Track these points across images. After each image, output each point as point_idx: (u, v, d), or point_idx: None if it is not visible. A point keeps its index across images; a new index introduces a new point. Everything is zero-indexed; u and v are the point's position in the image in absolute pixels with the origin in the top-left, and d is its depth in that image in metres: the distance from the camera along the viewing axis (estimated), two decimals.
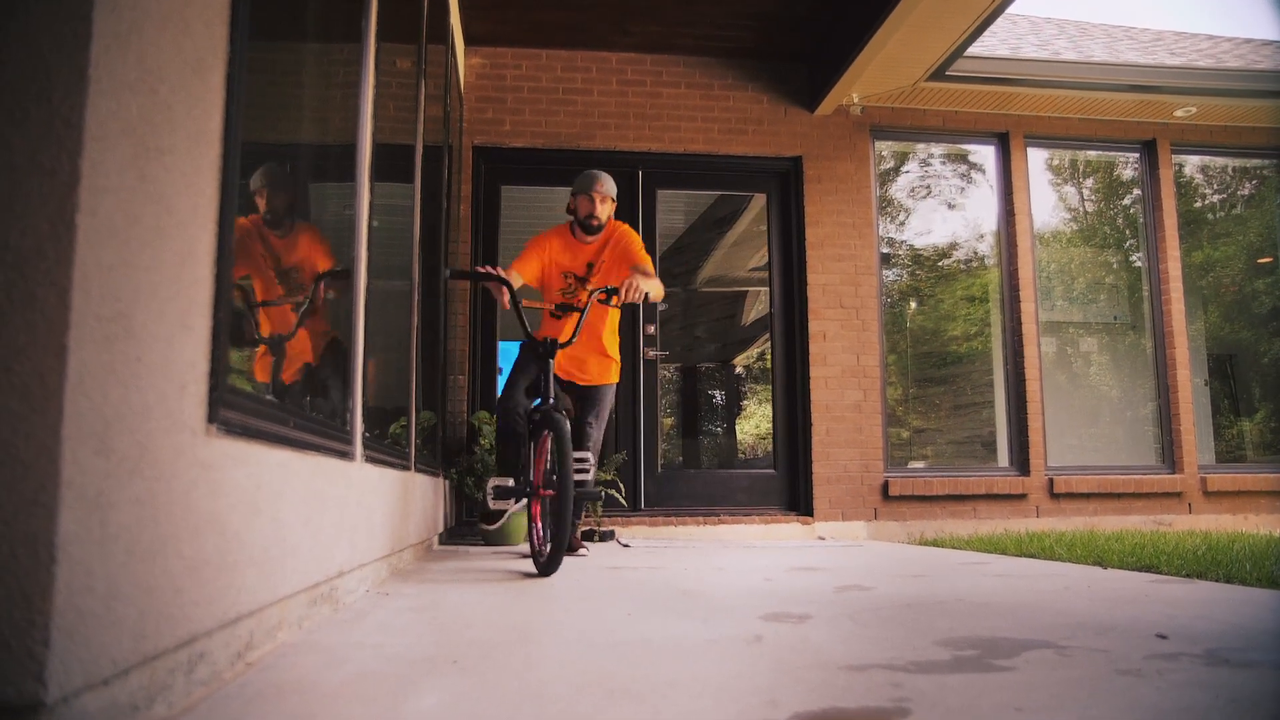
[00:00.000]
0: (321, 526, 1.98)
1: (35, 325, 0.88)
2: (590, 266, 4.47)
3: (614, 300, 4.04)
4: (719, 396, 9.47)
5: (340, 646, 1.78)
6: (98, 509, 0.93)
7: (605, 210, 4.44)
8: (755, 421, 7.72)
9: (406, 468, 3.48)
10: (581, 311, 3.97)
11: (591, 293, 4.05)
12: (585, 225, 4.42)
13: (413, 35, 3.99)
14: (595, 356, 4.50)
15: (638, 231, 6.31)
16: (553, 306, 4.43)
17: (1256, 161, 7.44)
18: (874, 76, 6.07)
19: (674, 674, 1.56)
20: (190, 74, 1.23)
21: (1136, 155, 7.16)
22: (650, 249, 6.34)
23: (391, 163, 3.36)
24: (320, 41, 2.36)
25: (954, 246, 7.22)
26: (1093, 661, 1.65)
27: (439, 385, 5.03)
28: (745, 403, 8.00)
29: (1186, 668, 1.58)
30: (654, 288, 4.12)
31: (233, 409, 1.35)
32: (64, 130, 0.91)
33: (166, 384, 1.12)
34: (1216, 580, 3.14)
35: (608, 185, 4.49)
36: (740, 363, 9.44)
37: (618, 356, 4.64)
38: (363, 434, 2.43)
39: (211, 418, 1.26)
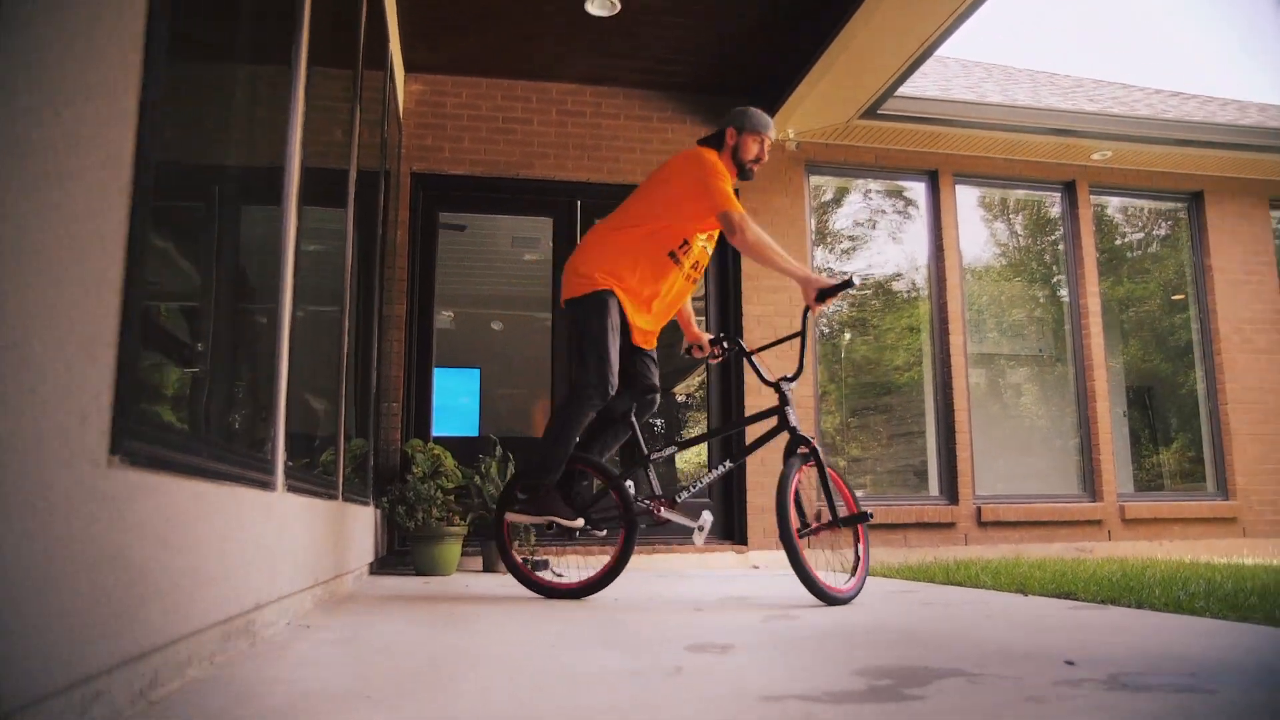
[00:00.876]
0: (238, 558, 1.94)
1: None
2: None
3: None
4: (659, 425, 9.47)
5: (253, 682, 1.74)
6: None
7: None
8: (696, 449, 7.76)
9: (334, 497, 3.43)
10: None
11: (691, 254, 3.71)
12: (744, 169, 3.86)
13: (349, 61, 3.97)
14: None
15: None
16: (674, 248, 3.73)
17: (1169, 205, 7.73)
18: (809, 113, 6.19)
19: (593, 705, 1.55)
20: (100, 97, 1.22)
21: (1058, 195, 7.40)
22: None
23: (323, 188, 3.33)
24: (249, 64, 2.34)
25: (895, 277, 7.37)
26: (1001, 689, 1.68)
27: (372, 412, 4.97)
28: (686, 431, 8.04)
29: (1088, 693, 1.62)
30: None
31: (140, 439, 1.32)
32: None
33: (65, 415, 1.09)
34: (1128, 606, 3.23)
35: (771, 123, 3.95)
36: (680, 391, 9.47)
37: None
38: (285, 463, 2.39)
39: (115, 449, 1.23)
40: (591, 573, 3.85)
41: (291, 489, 2.47)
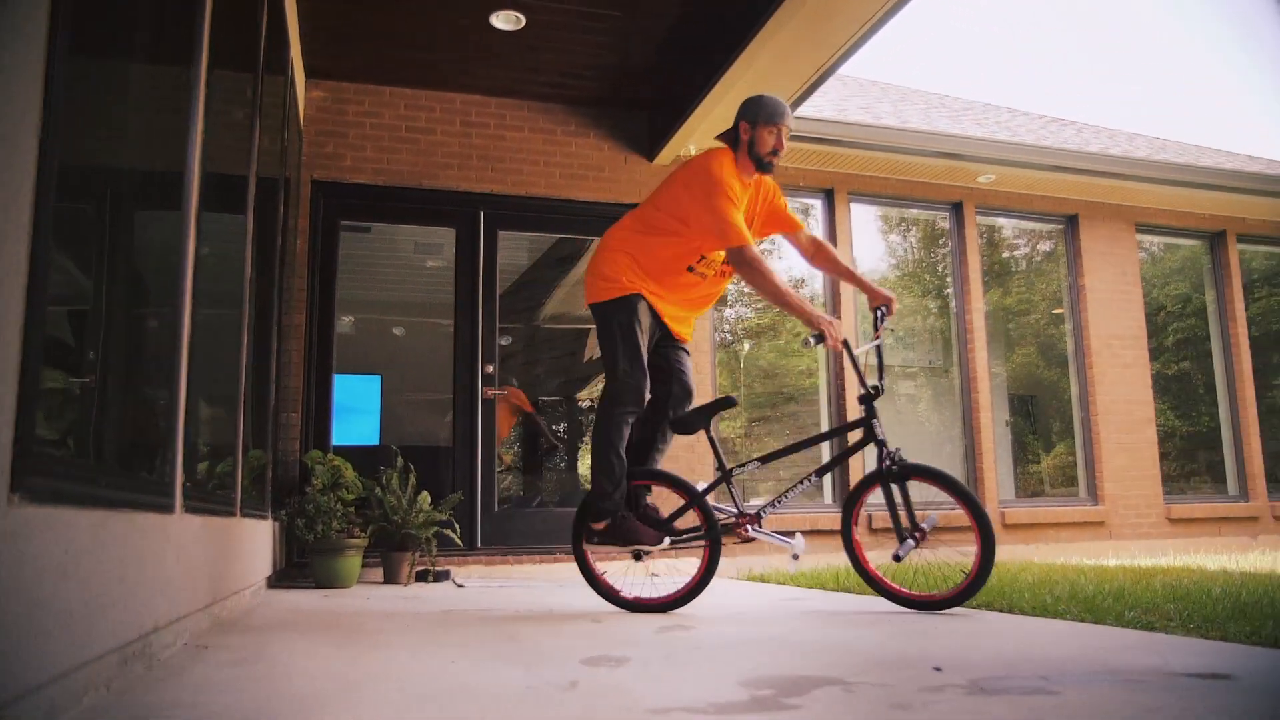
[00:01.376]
0: (136, 582, 1.95)
1: None
2: (752, 215, 3.80)
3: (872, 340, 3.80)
4: (561, 431, 9.56)
5: (153, 707, 1.75)
6: None
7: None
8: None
9: (232, 513, 3.41)
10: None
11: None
12: (763, 162, 3.64)
13: (249, 63, 3.93)
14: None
15: (479, 272, 6.39)
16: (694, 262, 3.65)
17: (1049, 225, 8.18)
18: (711, 130, 6.34)
19: None
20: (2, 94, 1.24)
21: (947, 214, 7.75)
22: (489, 288, 6.41)
23: (222, 195, 3.30)
24: (148, 63, 2.31)
25: (799, 284, 7.61)
26: (874, 697, 1.82)
27: (270, 423, 4.91)
28: (588, 438, 8.12)
29: (950, 698, 1.77)
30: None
31: (40, 474, 1.34)
32: None
33: None
34: (1000, 610, 3.45)
35: (788, 109, 3.75)
36: (584, 397, 9.57)
37: None
38: (183, 484, 2.39)
39: (15, 487, 1.25)
40: (675, 588, 3.74)
41: (189, 509, 2.47)
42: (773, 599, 4.20)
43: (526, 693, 1.91)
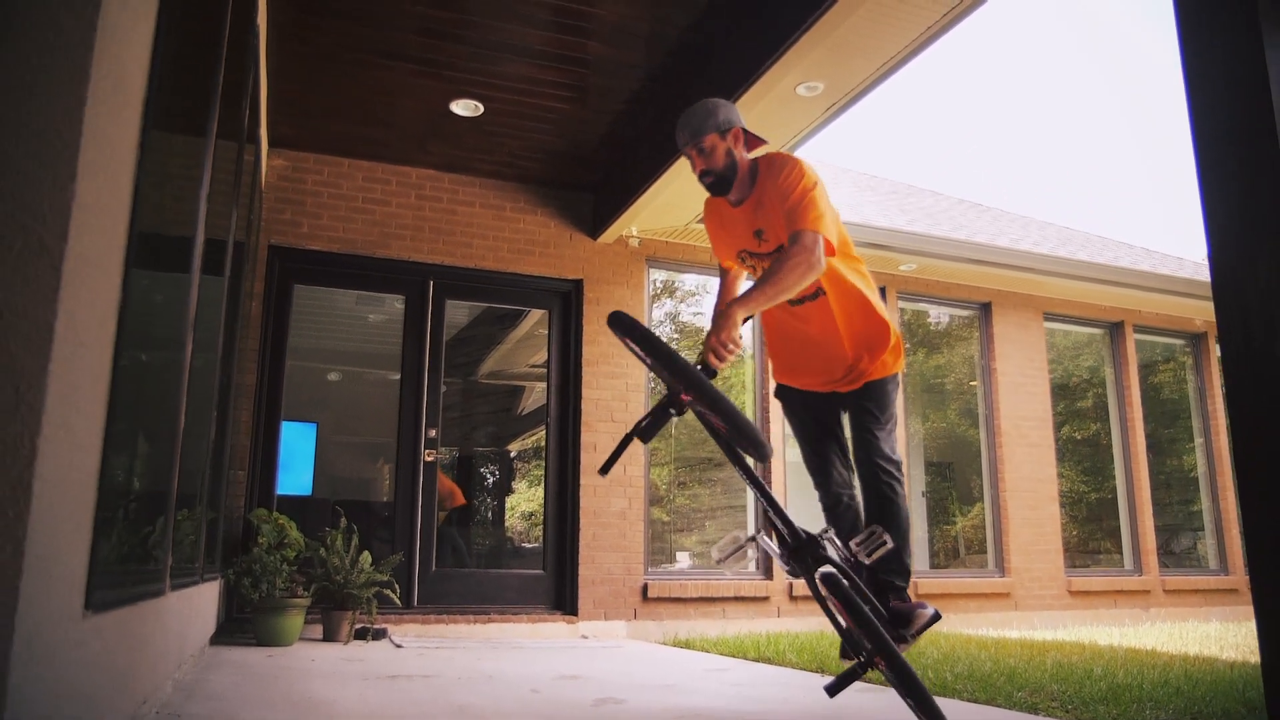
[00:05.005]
0: (138, 662, 2.17)
1: None
2: (760, 234, 3.26)
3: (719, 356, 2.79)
4: (490, 482, 9.80)
5: None
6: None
7: (717, 156, 3.18)
8: (530, 509, 8.14)
9: (196, 581, 3.60)
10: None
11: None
12: (708, 188, 3.28)
13: (237, 134, 4.16)
14: (853, 344, 3.29)
15: (425, 338, 6.64)
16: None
17: (966, 311, 8.76)
18: (651, 216, 6.75)
19: None
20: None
21: None
22: (435, 355, 6.67)
23: (209, 259, 3.51)
24: (185, 136, 2.55)
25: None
26: None
27: (223, 482, 5.07)
28: (518, 497, 8.38)
29: None
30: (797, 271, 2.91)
31: (101, 589, 1.60)
32: None
33: (62, 586, 1.38)
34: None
35: (699, 120, 3.18)
36: (515, 449, 9.81)
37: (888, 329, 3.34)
38: (170, 567, 2.61)
39: (87, 604, 1.51)
40: None
41: (174, 587, 2.69)
42: (698, 669, 4.49)
43: None
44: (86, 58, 1.30)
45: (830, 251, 3.06)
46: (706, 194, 3.40)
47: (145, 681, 2.29)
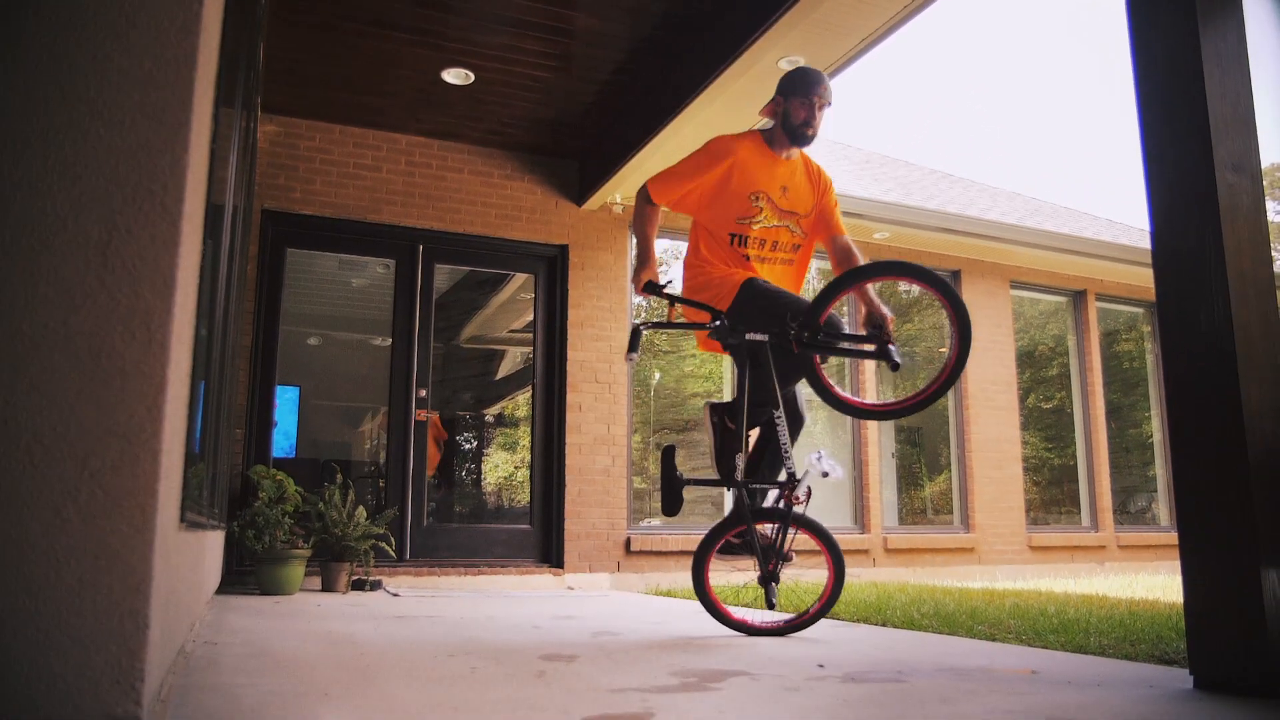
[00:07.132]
0: (203, 578, 2.42)
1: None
2: (785, 190, 3.69)
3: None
4: (471, 444, 10.05)
5: (225, 687, 2.23)
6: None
7: (822, 122, 3.64)
8: (513, 472, 8.39)
9: (219, 526, 3.83)
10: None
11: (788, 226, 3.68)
12: (796, 134, 3.62)
13: (250, 103, 4.33)
14: None
15: (415, 301, 6.85)
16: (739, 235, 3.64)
17: None
18: (635, 183, 6.95)
19: (493, 699, 2.17)
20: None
21: None
22: (425, 317, 6.89)
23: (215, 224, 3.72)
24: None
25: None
26: (772, 683, 2.42)
27: (225, 438, 5.27)
28: (504, 454, 8.63)
29: (828, 685, 2.39)
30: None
31: (189, 510, 1.84)
32: None
33: (172, 498, 1.62)
34: (875, 625, 4.12)
35: (831, 91, 3.66)
36: (494, 412, 10.06)
37: None
38: (208, 504, 2.85)
39: (182, 519, 1.75)
40: None
41: (210, 528, 2.93)
42: (681, 611, 4.79)
43: (508, 678, 2.45)
44: (194, 47, 1.52)
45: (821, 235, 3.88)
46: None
47: (197, 605, 2.53)
